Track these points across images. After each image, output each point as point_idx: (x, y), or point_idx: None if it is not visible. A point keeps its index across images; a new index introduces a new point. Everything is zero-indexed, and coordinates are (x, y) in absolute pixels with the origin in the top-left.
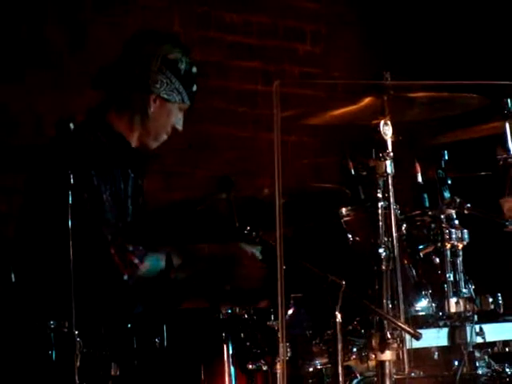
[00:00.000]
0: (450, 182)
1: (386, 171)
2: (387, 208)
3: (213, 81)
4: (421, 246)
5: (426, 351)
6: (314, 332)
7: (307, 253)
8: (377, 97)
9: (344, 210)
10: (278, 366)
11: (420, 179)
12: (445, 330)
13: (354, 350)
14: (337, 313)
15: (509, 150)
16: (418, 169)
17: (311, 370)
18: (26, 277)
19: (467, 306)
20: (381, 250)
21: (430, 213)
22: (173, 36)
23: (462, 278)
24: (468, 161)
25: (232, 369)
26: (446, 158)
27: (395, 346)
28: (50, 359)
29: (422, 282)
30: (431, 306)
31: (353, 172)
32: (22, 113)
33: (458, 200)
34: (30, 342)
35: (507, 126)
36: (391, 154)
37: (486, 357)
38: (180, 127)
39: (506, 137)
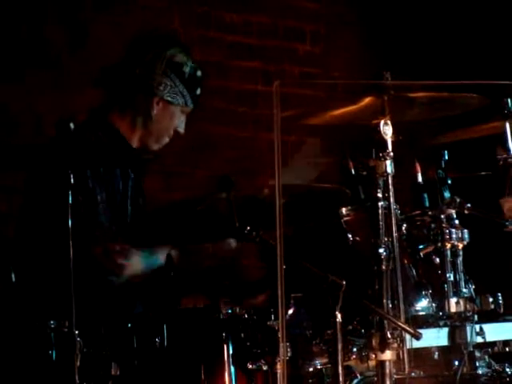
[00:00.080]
0: (450, 181)
1: (386, 171)
2: (387, 208)
3: (213, 81)
4: (421, 246)
5: (427, 351)
6: (314, 332)
7: (307, 252)
8: (377, 97)
9: (344, 210)
10: (279, 366)
11: (420, 179)
12: (445, 330)
13: (354, 349)
14: (337, 313)
15: (509, 150)
16: (418, 169)
17: (311, 369)
18: (26, 277)
19: (467, 306)
20: (381, 250)
21: (430, 213)
22: (178, 39)
23: (462, 277)
24: (468, 161)
25: (232, 368)
26: (446, 157)
27: (395, 345)
28: (50, 359)
29: (423, 282)
30: (431, 305)
31: (353, 172)
32: (22, 113)
33: (458, 200)
34: (31, 342)
35: (507, 125)
36: (391, 153)
37: (486, 357)
38: (182, 130)
39: (506, 137)
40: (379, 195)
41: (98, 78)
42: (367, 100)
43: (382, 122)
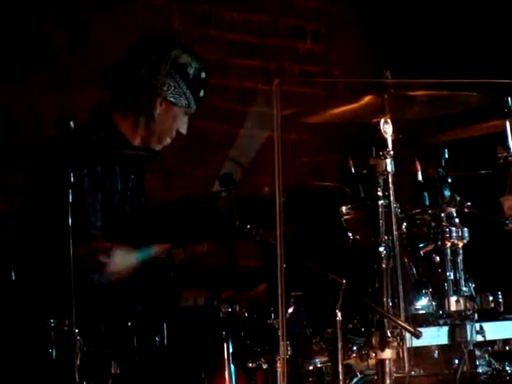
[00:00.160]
0: (450, 180)
1: (386, 169)
2: (387, 206)
3: (213, 79)
4: (421, 245)
5: (427, 350)
6: (314, 330)
7: (307, 251)
8: (377, 95)
9: (344, 209)
10: (279, 365)
11: (420, 177)
12: (445, 329)
13: (354, 348)
14: (337, 311)
15: (509, 149)
16: (419, 167)
17: (311, 368)
18: (26, 275)
19: (467, 305)
20: (381, 249)
21: (430, 211)
22: (182, 42)
23: (462, 276)
24: (468, 159)
25: (232, 367)
26: (446, 156)
27: (395, 344)
28: (51, 357)
29: (423, 281)
30: (431, 304)
31: (353, 170)
32: (22, 113)
33: (458, 198)
34: (31, 341)
35: (507, 124)
36: (391, 152)
37: (487, 355)
38: (184, 131)
39: (506, 135)
40: (379, 194)
41: (103, 77)
42: (367, 98)
43: (382, 120)
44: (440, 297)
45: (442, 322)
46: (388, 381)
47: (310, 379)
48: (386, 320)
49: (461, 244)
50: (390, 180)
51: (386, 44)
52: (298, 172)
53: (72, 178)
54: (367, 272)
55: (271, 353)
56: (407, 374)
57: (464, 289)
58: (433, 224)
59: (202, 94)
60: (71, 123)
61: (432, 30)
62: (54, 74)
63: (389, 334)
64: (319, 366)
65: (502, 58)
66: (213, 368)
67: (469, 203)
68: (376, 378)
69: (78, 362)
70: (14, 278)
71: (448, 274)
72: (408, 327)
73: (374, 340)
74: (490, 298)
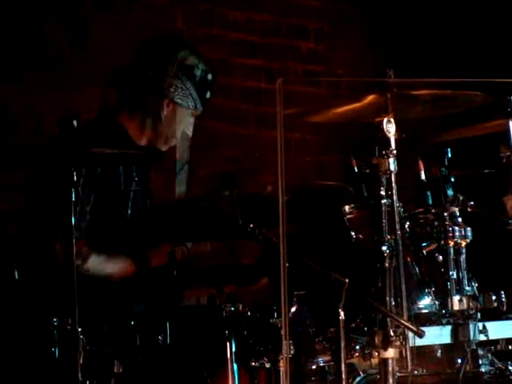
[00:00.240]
0: (453, 179)
1: (389, 169)
2: (390, 206)
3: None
4: (424, 244)
5: (429, 349)
6: (317, 329)
7: (310, 250)
8: (380, 94)
9: (347, 208)
10: (281, 364)
11: (423, 177)
12: (448, 328)
13: (357, 347)
14: (340, 310)
15: None
16: (421, 166)
17: (314, 367)
18: (29, 274)
19: (470, 304)
20: (384, 248)
21: (433, 210)
22: (190, 43)
23: (465, 275)
24: (471, 158)
25: (235, 366)
26: (449, 155)
27: (398, 343)
28: (53, 356)
29: (425, 280)
30: (434, 303)
31: (356, 170)
32: (23, 112)
33: (461, 198)
34: (33, 339)
35: (510, 123)
36: (394, 151)
37: (489, 355)
38: (190, 133)
39: (510, 135)
40: (382, 193)
41: (109, 78)
42: (370, 98)
43: (385, 119)
44: (443, 296)
45: (444, 321)
46: (391, 380)
47: (313, 378)
48: (388, 319)
49: (464, 243)
50: (392, 179)
51: (389, 43)
52: (301, 171)
53: (75, 177)
54: (370, 271)
55: (274, 352)
56: (410, 374)
57: (467, 288)
58: (436, 223)
59: (208, 95)
60: (74, 122)
61: (435, 28)
62: (54, 73)
63: (392, 334)
64: (322, 365)
65: (505, 57)
66: (215, 367)
67: (472, 202)
68: (379, 377)
69: (81, 361)
70: (16, 276)
71: (451, 273)
72: (411, 326)
73: (376, 339)
74: (493, 298)
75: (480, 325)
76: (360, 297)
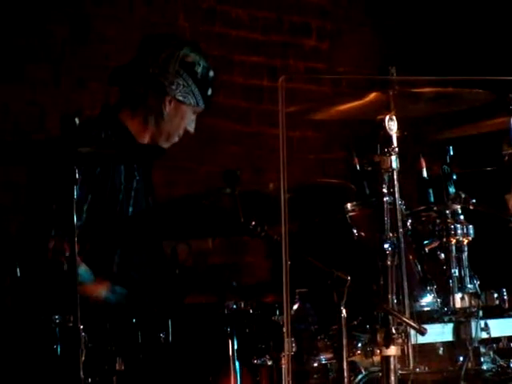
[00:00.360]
0: (455, 177)
1: (391, 166)
2: (392, 203)
3: (218, 76)
4: (426, 242)
5: (431, 346)
6: (319, 327)
7: (312, 248)
8: (382, 92)
9: (349, 206)
10: (283, 361)
11: (425, 174)
12: (450, 326)
13: (359, 345)
14: (342, 308)
15: None
16: (423, 164)
17: (316, 365)
18: (31, 271)
19: (472, 302)
20: (386, 246)
21: (435, 208)
22: (191, 40)
23: (467, 273)
24: (473, 156)
25: (237, 364)
26: (452, 153)
27: (400, 341)
28: (55, 354)
29: (427, 278)
30: (436, 301)
31: (358, 167)
32: (24, 109)
33: (463, 195)
34: (35, 337)
35: None
36: (396, 149)
37: (491, 352)
38: (192, 130)
39: None
40: (384, 191)
41: (111, 76)
42: (372, 95)
43: (387, 117)
44: (445, 294)
45: (446, 318)
46: (393, 378)
47: (315, 376)
48: (390, 317)
49: (466, 241)
50: (394, 177)
51: (392, 41)
52: (303, 169)
53: (78, 175)
54: (372, 269)
55: (276, 350)
56: (412, 371)
57: (469, 286)
58: (438, 221)
59: (210, 92)
60: (76, 120)
61: (437, 26)
62: (55, 69)
63: (393, 331)
64: (324, 362)
65: (507, 55)
66: (217, 365)
67: (474, 200)
68: (381, 374)
69: (83, 359)
70: (18, 274)
71: (453, 270)
72: (413, 324)
73: (378, 337)
74: (495, 295)
75: (482, 322)
76: (362, 294)
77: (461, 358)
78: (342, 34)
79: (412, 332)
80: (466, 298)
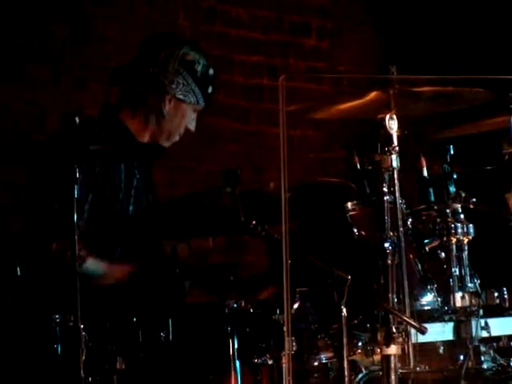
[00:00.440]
0: (455, 176)
1: (391, 165)
2: (393, 202)
3: (218, 75)
4: (426, 241)
5: (432, 345)
6: (319, 326)
7: (313, 247)
8: (382, 91)
9: (350, 205)
10: (284, 360)
11: (425, 173)
12: (450, 325)
13: (360, 344)
14: (342, 307)
15: None
16: (424, 163)
17: (316, 364)
18: (31, 271)
19: (473, 301)
20: (386, 245)
21: (435, 207)
22: (191, 39)
23: (467, 272)
24: (474, 155)
25: (237, 363)
26: (452, 152)
27: (400, 340)
28: (56, 353)
29: (428, 277)
30: (437, 300)
31: (358, 166)
32: (24, 109)
33: (463, 194)
34: (36, 336)
35: None
36: (397, 148)
37: (492, 351)
38: (193, 128)
39: None
40: (385, 190)
41: (111, 76)
42: (373, 94)
43: (388, 116)
44: (445, 293)
45: (447, 317)
46: (393, 377)
47: (315, 375)
48: (391, 316)
49: (466, 240)
50: (395, 176)
51: (392, 39)
52: (304, 168)
53: (78, 174)
54: (372, 268)
55: (276, 349)
56: (412, 370)
57: (469, 285)
58: (438, 220)
59: (210, 90)
60: (76, 119)
61: (438, 25)
62: (55, 69)
63: (394, 330)
64: (324, 361)
65: (507, 54)
66: (218, 364)
67: (474, 199)
68: (381, 373)
69: (83, 358)
70: (19, 273)
71: (453, 269)
72: (413, 323)
73: (379, 336)
74: (495, 294)
75: (482, 321)
76: (362, 293)
77: (461, 357)
78: (342, 33)
79: (412, 331)
80: (467, 296)
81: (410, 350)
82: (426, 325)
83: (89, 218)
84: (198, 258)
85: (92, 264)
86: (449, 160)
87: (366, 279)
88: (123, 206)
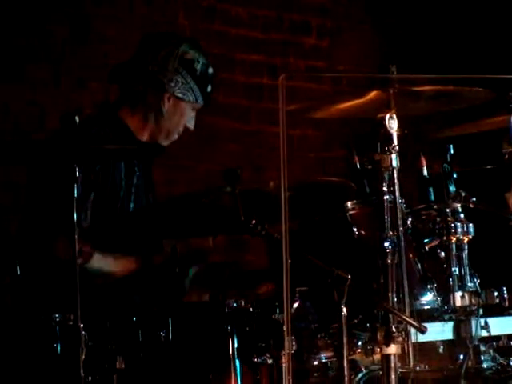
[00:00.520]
0: (455, 175)
1: (391, 165)
2: (393, 202)
3: (218, 74)
4: (426, 240)
5: (432, 345)
6: (319, 325)
7: (313, 246)
8: (382, 90)
9: (349, 204)
10: (284, 360)
11: (425, 173)
12: (450, 324)
13: (359, 343)
14: (342, 306)
15: None
16: (424, 162)
17: (316, 363)
18: (31, 270)
19: (472, 300)
20: (386, 244)
21: (435, 206)
22: (191, 37)
23: (467, 271)
24: (474, 155)
25: (237, 362)
26: (452, 151)
27: (400, 339)
28: (55, 352)
29: (428, 276)
30: (436, 299)
31: (358, 166)
32: (24, 109)
33: (463, 194)
34: (36, 335)
35: None
36: (397, 147)
37: (491, 350)
38: (192, 126)
39: None
40: (385, 189)
41: (110, 74)
42: (373, 94)
43: (388, 115)
44: (445, 292)
45: (447, 317)
46: (393, 376)
47: (315, 374)
48: (391, 315)
49: (466, 239)
50: (395, 175)
51: (392, 39)
52: (304, 167)
53: (77, 173)
54: (372, 267)
55: (276, 348)
56: (412, 370)
57: (469, 284)
58: (438, 219)
59: (209, 89)
60: (76, 118)
61: (438, 24)
62: (55, 69)
63: (394, 330)
64: (324, 361)
65: (508, 53)
66: (218, 363)
67: (474, 199)
68: (381, 373)
69: (83, 357)
70: (19, 272)
71: (453, 269)
72: (413, 322)
73: (379, 335)
74: (495, 294)
75: (482, 321)
76: (362, 293)
77: (461, 357)
78: (342, 32)
79: (412, 330)
80: (467, 296)
81: (410, 349)
82: (425, 324)
83: (92, 216)
84: (198, 257)
85: (98, 260)
86: (449, 159)
87: (366, 279)
88: (124, 204)
